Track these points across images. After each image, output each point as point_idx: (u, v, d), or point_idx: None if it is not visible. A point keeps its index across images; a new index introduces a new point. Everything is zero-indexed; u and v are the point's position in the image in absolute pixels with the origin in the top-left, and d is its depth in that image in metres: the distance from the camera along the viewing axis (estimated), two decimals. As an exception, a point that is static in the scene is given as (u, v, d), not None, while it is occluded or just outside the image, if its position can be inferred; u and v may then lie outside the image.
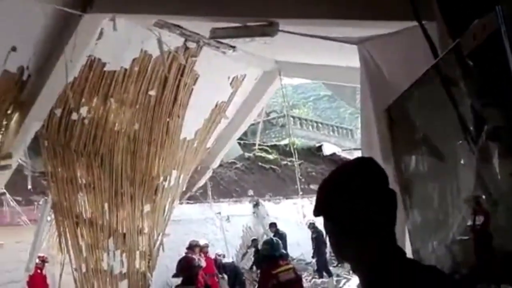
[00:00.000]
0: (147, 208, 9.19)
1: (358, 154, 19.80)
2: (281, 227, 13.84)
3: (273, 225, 12.99)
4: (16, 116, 7.38)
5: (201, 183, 11.68)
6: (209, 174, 11.64)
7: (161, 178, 9.49)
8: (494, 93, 2.05)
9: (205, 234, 12.48)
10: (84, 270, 8.07)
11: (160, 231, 9.56)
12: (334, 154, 19.71)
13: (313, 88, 40.07)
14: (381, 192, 1.25)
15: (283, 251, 5.93)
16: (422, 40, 2.97)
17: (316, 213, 1.32)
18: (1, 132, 7.43)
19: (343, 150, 21.00)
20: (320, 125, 24.51)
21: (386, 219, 1.26)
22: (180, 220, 11.06)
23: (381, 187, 1.26)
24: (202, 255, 9.70)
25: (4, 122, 7.39)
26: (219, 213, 13.13)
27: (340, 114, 37.69)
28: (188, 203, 12.19)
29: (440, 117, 2.76)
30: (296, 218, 14.38)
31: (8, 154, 7.44)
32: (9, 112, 7.30)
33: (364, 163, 1.32)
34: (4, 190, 8.03)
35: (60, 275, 8.38)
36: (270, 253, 5.64)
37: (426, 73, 2.62)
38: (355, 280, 8.62)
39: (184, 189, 10.72)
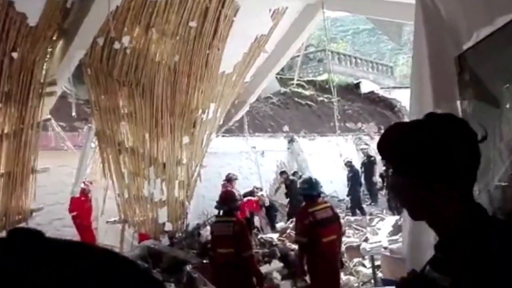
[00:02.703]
0: (185, 139, 9.37)
1: (397, 93, 19.33)
2: (315, 164, 13.95)
3: (284, 173, 12.70)
4: (60, 44, 7.47)
5: (238, 117, 11.74)
6: (246, 108, 11.65)
7: (200, 111, 9.58)
8: None
9: (239, 167, 12.70)
10: (126, 196, 8.45)
11: (197, 162, 9.80)
12: (372, 92, 19.22)
13: (352, 21, 38.53)
14: (472, 150, 1.22)
15: (321, 190, 5.99)
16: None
17: (401, 170, 1.26)
18: (47, 59, 7.56)
19: (382, 88, 20.43)
20: (358, 61, 23.72)
21: (472, 177, 1.24)
22: (216, 152, 11.24)
23: (473, 146, 1.23)
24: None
25: (49, 49, 7.50)
26: (254, 147, 13.25)
27: (380, 50, 36.38)
28: (224, 136, 12.32)
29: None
30: (330, 156, 14.40)
31: (53, 80, 7.63)
32: (54, 38, 7.39)
33: (456, 120, 1.27)
34: (50, 116, 8.27)
35: (104, 199, 8.80)
36: (308, 192, 5.70)
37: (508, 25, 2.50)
38: (389, 219, 8.70)
39: (221, 122, 10.82)
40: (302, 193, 5.82)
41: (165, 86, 8.82)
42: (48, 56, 7.55)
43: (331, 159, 14.24)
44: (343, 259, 6.64)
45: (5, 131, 7.21)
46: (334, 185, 13.50)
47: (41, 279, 0.41)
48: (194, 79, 9.13)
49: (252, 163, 13.21)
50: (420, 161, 1.20)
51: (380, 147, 1.31)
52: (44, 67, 7.54)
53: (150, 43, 8.35)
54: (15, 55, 6.90)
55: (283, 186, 12.75)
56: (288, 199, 12.08)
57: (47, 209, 8.46)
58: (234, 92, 10.40)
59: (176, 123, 9.15)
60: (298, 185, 6.41)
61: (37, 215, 7.98)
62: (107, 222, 8.77)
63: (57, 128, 8.87)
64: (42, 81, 7.49)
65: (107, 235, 9.16)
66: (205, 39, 8.89)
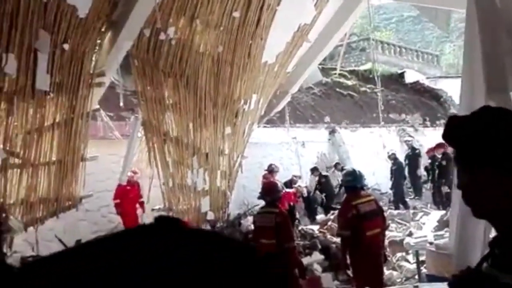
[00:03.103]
0: (228, 130, 9.47)
1: (443, 82, 18.72)
2: (356, 155, 13.75)
3: (316, 170, 12.51)
4: (109, 35, 7.67)
5: (279, 107, 11.73)
6: (288, 98, 11.62)
7: (242, 101, 9.64)
8: None
9: (280, 158, 12.66)
10: (170, 184, 8.65)
11: (239, 153, 9.90)
12: (417, 82, 18.67)
13: (396, 8, 37.46)
14: None
15: (365, 182, 5.90)
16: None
17: (480, 163, 1.19)
18: (96, 51, 7.79)
19: (427, 78, 19.83)
20: (403, 49, 23.05)
21: None
22: (257, 143, 11.26)
23: None
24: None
25: (98, 41, 7.71)
26: (295, 138, 13.20)
27: (425, 38, 35.22)
28: (265, 126, 12.33)
29: None
30: (372, 147, 14.15)
31: (102, 71, 7.85)
32: (102, 30, 7.60)
33: None
34: (99, 106, 8.54)
35: (149, 188, 9.03)
36: (351, 184, 5.63)
37: None
38: (434, 214, 8.49)
39: (262, 112, 10.85)
40: (345, 185, 5.76)
41: (208, 77, 8.92)
42: (97, 47, 7.77)
43: (373, 151, 13.99)
44: (386, 253, 6.55)
45: (57, 120, 7.49)
46: (376, 178, 13.27)
47: (182, 259, 0.51)
48: (237, 69, 9.20)
49: (293, 154, 13.16)
50: (501, 153, 1.15)
51: (457, 139, 1.25)
52: (93, 58, 7.77)
53: (195, 34, 8.46)
54: (66, 46, 7.13)
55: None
56: (324, 194, 12.00)
57: (96, 195, 8.74)
58: (276, 82, 10.40)
59: (219, 114, 9.26)
60: (341, 177, 6.35)
61: (86, 202, 8.29)
62: (152, 209, 9.01)
63: (105, 117, 9.14)
64: (91, 72, 7.72)
65: (152, 222, 9.42)
66: (248, 28, 8.92)
